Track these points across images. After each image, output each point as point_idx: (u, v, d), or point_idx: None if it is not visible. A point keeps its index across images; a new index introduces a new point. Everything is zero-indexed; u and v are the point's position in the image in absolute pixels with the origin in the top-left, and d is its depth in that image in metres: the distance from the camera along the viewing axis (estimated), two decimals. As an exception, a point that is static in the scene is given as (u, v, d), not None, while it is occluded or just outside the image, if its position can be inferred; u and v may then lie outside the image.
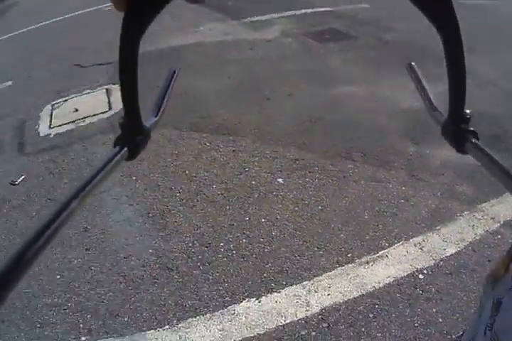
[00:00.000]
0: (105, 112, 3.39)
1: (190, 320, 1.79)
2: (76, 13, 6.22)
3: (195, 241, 2.18)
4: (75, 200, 0.20)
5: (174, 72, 0.36)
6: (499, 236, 2.03)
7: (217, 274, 1.98)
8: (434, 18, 0.21)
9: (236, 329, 1.72)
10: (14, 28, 5.90)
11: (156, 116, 0.31)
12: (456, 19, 0.21)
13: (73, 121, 3.34)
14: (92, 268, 2.09)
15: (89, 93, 3.73)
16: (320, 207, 2.30)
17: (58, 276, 2.07)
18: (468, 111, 0.25)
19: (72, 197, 0.20)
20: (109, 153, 0.24)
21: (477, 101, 2.84)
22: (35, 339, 1.79)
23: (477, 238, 2.03)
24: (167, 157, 2.82)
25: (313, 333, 1.68)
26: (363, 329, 1.68)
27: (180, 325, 1.77)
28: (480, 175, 2.33)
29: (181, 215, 2.34)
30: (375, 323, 1.70)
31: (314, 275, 1.92)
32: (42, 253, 0.17)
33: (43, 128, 3.32)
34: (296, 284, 1.89)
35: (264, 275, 1.95)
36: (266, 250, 2.08)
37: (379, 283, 1.86)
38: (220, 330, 1.73)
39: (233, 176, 2.60)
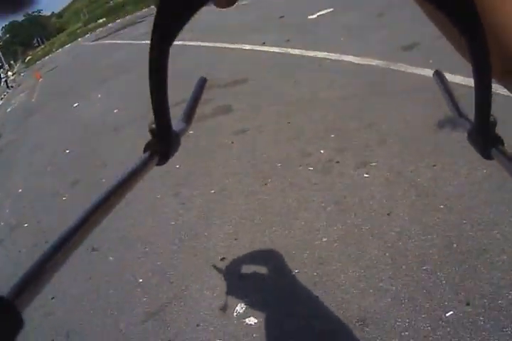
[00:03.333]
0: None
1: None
2: None
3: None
4: (104, 205, 0.20)
5: (204, 80, 0.37)
6: None
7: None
8: (457, 21, 0.21)
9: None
10: None
11: (185, 122, 0.32)
12: (480, 21, 0.21)
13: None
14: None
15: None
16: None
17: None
18: (493, 117, 0.25)
19: (100, 202, 0.20)
20: (140, 158, 0.25)
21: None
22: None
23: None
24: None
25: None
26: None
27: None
28: None
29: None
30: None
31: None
32: (67, 259, 0.17)
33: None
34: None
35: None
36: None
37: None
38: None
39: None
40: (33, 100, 12.93)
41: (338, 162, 2.73)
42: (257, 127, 3.64)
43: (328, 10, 7.08)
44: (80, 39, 43.44)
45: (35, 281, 0.15)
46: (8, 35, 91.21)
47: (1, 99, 21.87)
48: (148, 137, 0.25)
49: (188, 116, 0.32)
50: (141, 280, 2.36)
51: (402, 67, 3.75)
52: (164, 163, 0.27)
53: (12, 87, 27.60)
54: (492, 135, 0.25)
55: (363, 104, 3.37)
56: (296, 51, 5.35)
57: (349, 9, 6.64)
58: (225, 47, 7.14)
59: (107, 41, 19.23)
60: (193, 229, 2.62)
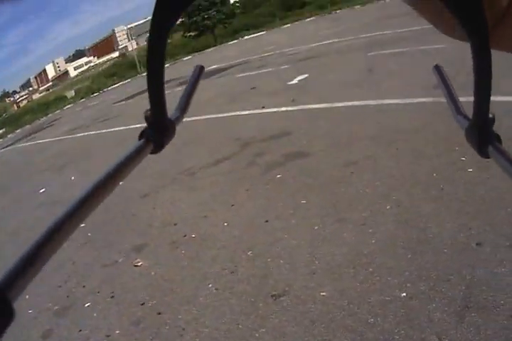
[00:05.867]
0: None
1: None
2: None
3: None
4: (97, 192, 0.20)
5: (200, 69, 0.36)
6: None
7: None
8: (461, 19, 0.21)
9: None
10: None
11: (181, 111, 0.32)
12: (485, 20, 0.21)
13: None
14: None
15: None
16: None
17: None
18: (491, 115, 0.25)
19: (93, 189, 0.20)
20: (134, 146, 0.25)
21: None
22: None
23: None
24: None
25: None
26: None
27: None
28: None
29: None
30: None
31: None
32: (58, 249, 0.17)
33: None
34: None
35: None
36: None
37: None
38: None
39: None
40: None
41: None
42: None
43: (304, 75, 8.04)
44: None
45: (28, 271, 0.15)
46: None
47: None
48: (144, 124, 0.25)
49: (184, 105, 0.32)
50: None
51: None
52: (159, 152, 0.27)
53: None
54: (489, 132, 0.25)
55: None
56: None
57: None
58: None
59: (20, 145, 16.73)
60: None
